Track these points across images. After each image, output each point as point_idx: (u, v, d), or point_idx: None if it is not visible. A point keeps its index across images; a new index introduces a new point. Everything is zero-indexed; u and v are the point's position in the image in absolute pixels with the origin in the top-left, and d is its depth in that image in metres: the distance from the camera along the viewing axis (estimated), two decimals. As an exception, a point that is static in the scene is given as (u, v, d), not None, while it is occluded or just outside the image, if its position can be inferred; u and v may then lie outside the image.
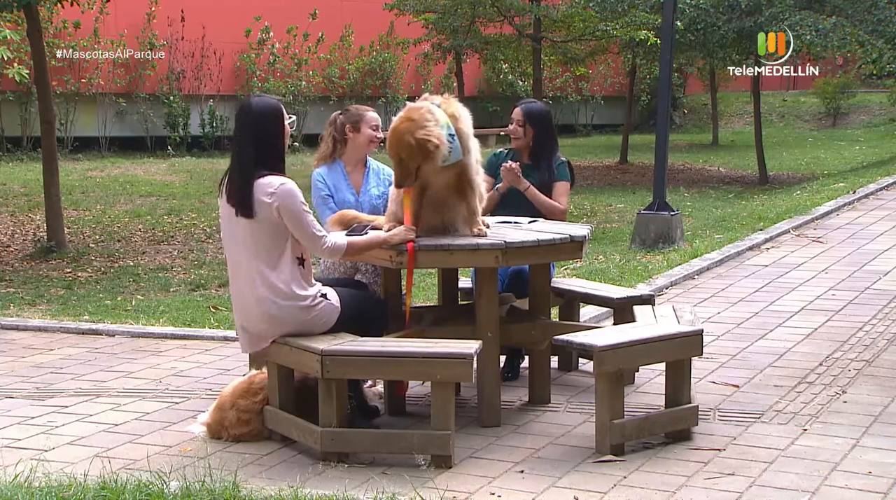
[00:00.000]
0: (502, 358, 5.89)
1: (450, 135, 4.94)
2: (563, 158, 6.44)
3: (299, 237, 4.87)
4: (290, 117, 5.03)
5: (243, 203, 4.83)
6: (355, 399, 5.11)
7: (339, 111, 6.13)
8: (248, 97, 5.11)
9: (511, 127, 6.38)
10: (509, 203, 6.20)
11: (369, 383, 5.60)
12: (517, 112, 6.40)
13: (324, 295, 4.96)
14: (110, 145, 20.29)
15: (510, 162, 6.23)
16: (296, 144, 20.19)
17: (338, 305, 4.98)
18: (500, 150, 6.63)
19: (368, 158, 6.10)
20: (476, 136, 5.36)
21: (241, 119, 4.95)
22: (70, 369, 6.68)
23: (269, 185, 4.81)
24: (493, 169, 6.41)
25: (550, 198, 6.26)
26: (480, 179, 5.28)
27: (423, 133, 4.85)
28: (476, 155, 5.19)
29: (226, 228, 5.03)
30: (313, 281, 5.00)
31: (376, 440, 4.81)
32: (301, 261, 4.92)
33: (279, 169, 4.90)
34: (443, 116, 5.00)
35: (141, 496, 4.15)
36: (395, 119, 5.00)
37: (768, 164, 18.35)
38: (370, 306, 5.22)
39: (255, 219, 4.82)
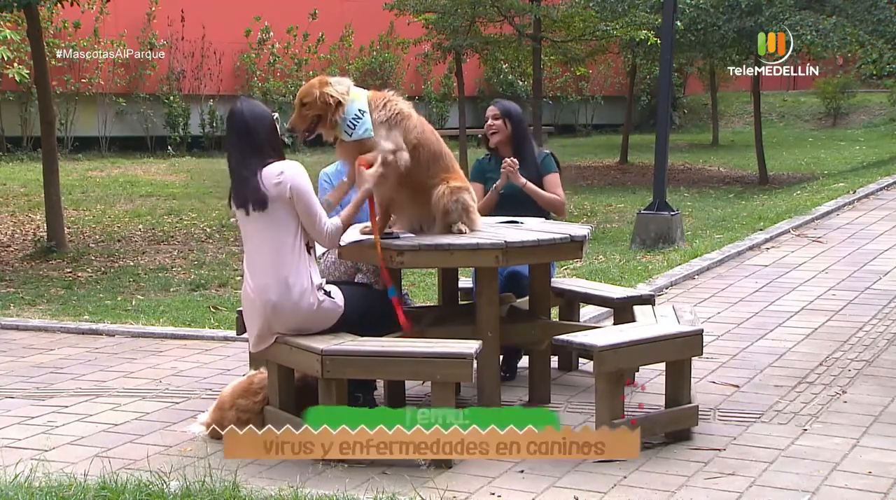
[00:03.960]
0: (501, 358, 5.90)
1: (359, 110, 5.11)
2: (546, 151, 6.45)
3: (306, 218, 4.90)
4: (273, 113, 5.12)
5: (255, 195, 4.87)
6: (366, 405, 5.13)
7: None
8: (236, 101, 5.18)
9: (488, 123, 6.37)
10: (509, 203, 6.20)
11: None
12: (492, 110, 6.41)
13: (328, 293, 4.97)
14: (110, 145, 20.30)
15: (509, 159, 6.21)
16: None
17: (341, 304, 5.00)
18: (483, 157, 6.59)
19: None
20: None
21: (233, 120, 5.02)
22: (70, 369, 6.68)
23: (276, 169, 4.88)
24: (478, 175, 6.41)
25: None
26: (389, 157, 5.12)
27: (327, 89, 5.11)
28: (395, 142, 5.14)
29: (244, 232, 5.05)
30: (318, 273, 5.02)
31: (376, 439, 4.81)
32: (308, 248, 4.97)
33: (281, 156, 5.00)
34: (360, 95, 5.16)
35: (141, 496, 4.15)
36: None
37: (768, 164, 18.34)
38: (373, 306, 5.22)
39: (268, 209, 4.85)
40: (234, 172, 4.99)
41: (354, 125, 5.10)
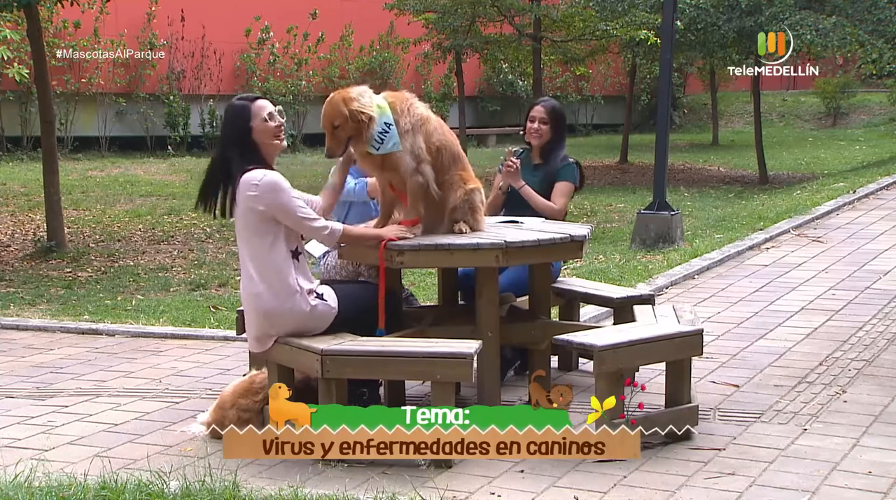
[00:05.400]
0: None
1: (385, 123, 5.01)
2: (572, 160, 6.38)
3: (297, 227, 4.89)
4: (274, 108, 5.01)
5: (224, 202, 4.90)
6: (370, 401, 5.15)
7: None
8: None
9: (535, 125, 6.30)
10: (515, 203, 6.19)
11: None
12: (540, 110, 6.31)
13: (320, 295, 4.97)
14: (110, 145, 20.31)
15: (511, 159, 6.20)
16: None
17: (334, 306, 4.99)
18: (517, 149, 6.54)
19: None
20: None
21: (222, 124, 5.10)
22: (70, 369, 6.68)
23: (253, 178, 4.83)
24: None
25: (550, 197, 6.25)
26: (418, 180, 5.15)
27: (357, 105, 4.96)
28: (417, 155, 5.13)
29: (238, 234, 5.05)
30: (310, 277, 5.02)
31: (376, 439, 4.81)
32: (296, 254, 4.94)
33: (258, 161, 4.90)
34: (384, 106, 5.07)
35: (141, 495, 4.15)
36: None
37: (768, 164, 18.35)
38: (372, 302, 5.21)
39: (243, 214, 4.85)
40: (209, 175, 5.03)
41: (382, 140, 5.01)
